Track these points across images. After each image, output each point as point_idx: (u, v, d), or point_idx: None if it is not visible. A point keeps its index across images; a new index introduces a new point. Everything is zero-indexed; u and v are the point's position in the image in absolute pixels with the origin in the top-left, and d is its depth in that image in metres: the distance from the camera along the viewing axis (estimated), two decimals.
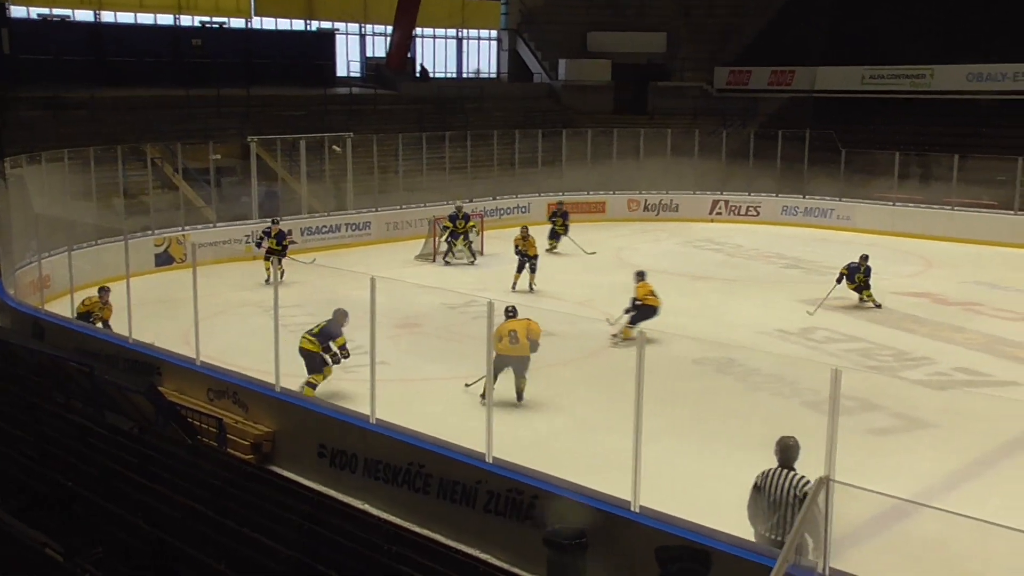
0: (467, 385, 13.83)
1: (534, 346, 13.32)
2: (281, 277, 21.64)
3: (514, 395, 13.49)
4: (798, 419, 12.65)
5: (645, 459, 8.67)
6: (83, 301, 15.97)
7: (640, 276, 17.68)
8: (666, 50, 42.63)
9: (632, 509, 8.62)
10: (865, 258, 20.03)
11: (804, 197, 31.83)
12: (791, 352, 16.57)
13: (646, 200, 32.91)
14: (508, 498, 9.47)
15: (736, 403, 13.98)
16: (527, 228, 22.30)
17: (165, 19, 35.63)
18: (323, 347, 13.63)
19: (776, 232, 30.17)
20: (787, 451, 7.88)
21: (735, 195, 32.68)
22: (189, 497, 8.11)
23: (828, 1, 40.58)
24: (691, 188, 33.05)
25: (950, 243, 27.69)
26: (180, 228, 23.89)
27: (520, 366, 13.45)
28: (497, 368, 12.47)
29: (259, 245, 22.24)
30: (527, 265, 21.35)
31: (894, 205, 30.11)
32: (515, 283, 21.26)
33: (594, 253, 25.06)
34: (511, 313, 13.74)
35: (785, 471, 7.82)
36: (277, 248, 21.85)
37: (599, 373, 15.34)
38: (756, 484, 7.92)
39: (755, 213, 32.34)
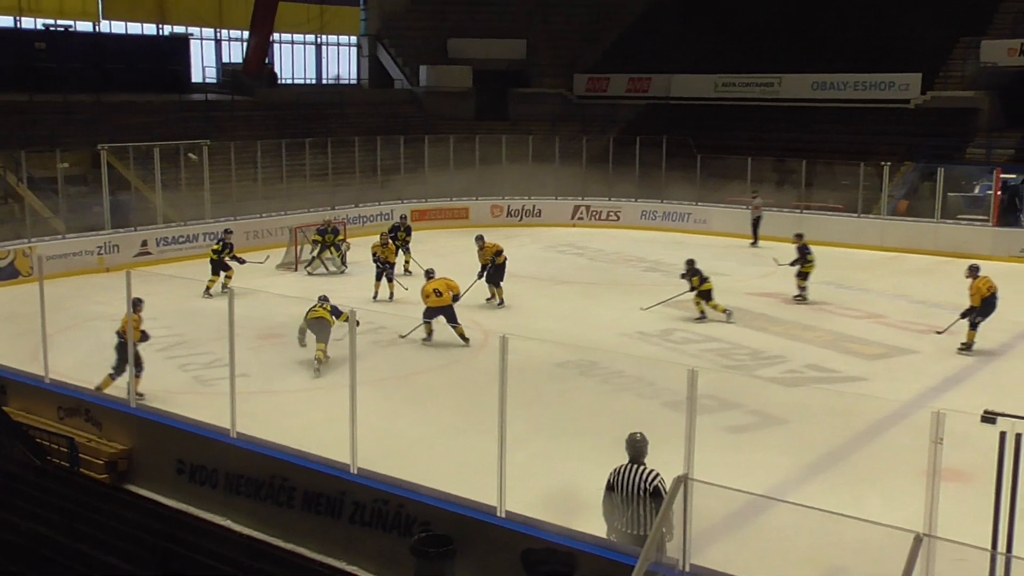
0: (401, 336, 17.58)
1: (456, 298, 17.45)
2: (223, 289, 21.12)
3: (386, 402, 13.42)
4: (660, 419, 12.92)
5: (510, 463, 8.72)
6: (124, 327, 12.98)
7: (481, 239, 21.12)
8: (526, 56, 43.09)
9: (498, 514, 8.65)
10: (688, 263, 19.53)
11: (662, 202, 32.65)
12: (652, 353, 16.96)
13: (509, 206, 33.18)
14: (374, 508, 9.39)
15: (599, 404, 14.21)
16: (386, 235, 22.16)
17: (5, 21, 34.02)
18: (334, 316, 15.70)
19: (636, 236, 30.83)
20: (636, 446, 8.14)
21: (596, 200, 33.27)
22: (36, 522, 7.75)
23: (683, 10, 41.81)
24: (553, 194, 33.48)
25: None
26: (26, 240, 22.84)
27: (448, 313, 17.15)
28: (429, 317, 17.05)
29: (242, 261, 22.21)
30: (385, 273, 21.16)
31: (747, 209, 31.14)
32: (376, 292, 21.06)
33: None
34: (431, 275, 17.68)
35: (635, 466, 8.05)
36: (216, 258, 21.69)
37: (462, 379, 15.39)
38: (609, 482, 8.11)
39: (615, 218, 33.00)
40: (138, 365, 12.84)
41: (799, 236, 21.58)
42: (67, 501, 8.70)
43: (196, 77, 39.01)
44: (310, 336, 15.74)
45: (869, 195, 30.01)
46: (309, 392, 14.48)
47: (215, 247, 21.98)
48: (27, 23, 34.34)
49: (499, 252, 20.81)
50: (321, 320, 15.62)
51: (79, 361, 14.85)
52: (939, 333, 18.02)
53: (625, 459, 8.22)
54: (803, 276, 21.22)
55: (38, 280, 13.72)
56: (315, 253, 24.25)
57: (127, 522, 8.24)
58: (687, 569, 7.36)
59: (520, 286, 22.57)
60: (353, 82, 45.79)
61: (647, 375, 15.30)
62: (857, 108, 34.55)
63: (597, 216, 33.13)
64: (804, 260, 21.10)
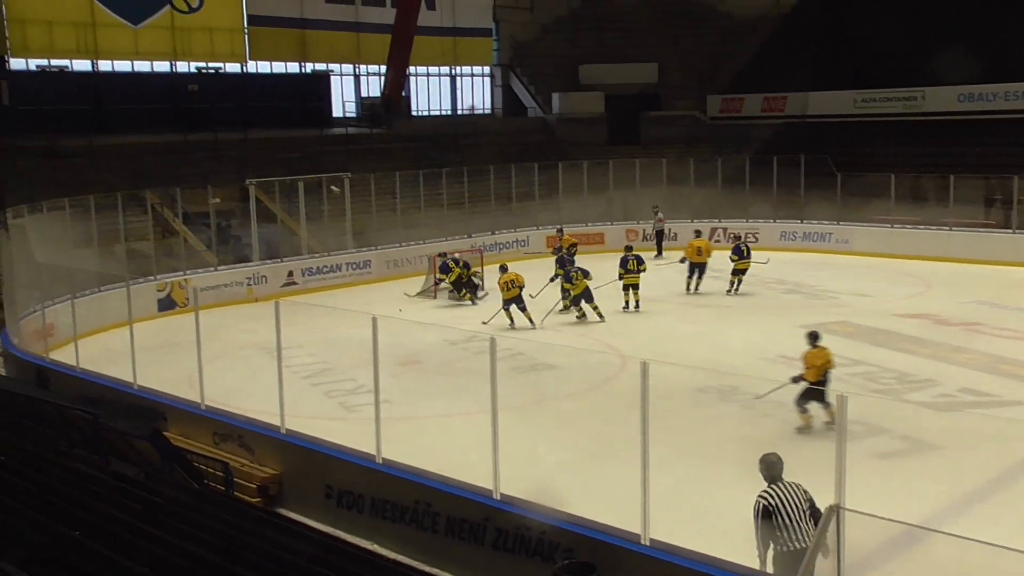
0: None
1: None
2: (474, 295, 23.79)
3: (525, 429, 13.46)
4: (805, 445, 12.63)
5: (653, 490, 8.64)
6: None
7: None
8: (658, 80, 42.93)
9: (642, 542, 8.57)
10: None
11: (802, 222, 31.90)
12: None
13: (644, 229, 32.96)
14: (517, 534, 9.43)
15: (741, 431, 13.93)
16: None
17: (161, 66, 35.91)
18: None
19: (775, 258, 30.10)
20: (772, 467, 8.14)
21: (733, 222, 32.71)
22: (196, 543, 8.05)
23: (816, 27, 40.96)
24: (688, 216, 33.13)
25: (948, 263, 27.68)
26: (182, 273, 23.91)
27: (705, 269, 23.91)
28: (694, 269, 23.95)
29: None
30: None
31: (892, 227, 30.15)
32: (512, 320, 21.05)
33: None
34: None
35: (784, 484, 8.02)
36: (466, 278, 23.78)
37: (602, 404, 15.31)
38: (766, 506, 7.95)
39: (753, 239, 32.28)
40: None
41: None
42: (223, 524, 9.01)
43: (337, 112, 40.31)
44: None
45: None
46: (448, 418, 14.66)
47: (461, 270, 23.90)
48: (181, 67, 36.16)
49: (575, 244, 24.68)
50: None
51: (231, 388, 15.43)
52: None
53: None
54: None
55: (193, 311, 14.38)
56: (450, 283, 24.52)
57: (279, 545, 8.47)
58: None
59: (657, 309, 22.43)
60: (487, 112, 46.47)
61: (791, 401, 14.92)
62: (1009, 119, 33.09)
63: (734, 238, 32.56)
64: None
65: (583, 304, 21.14)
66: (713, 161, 34.17)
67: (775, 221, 32.37)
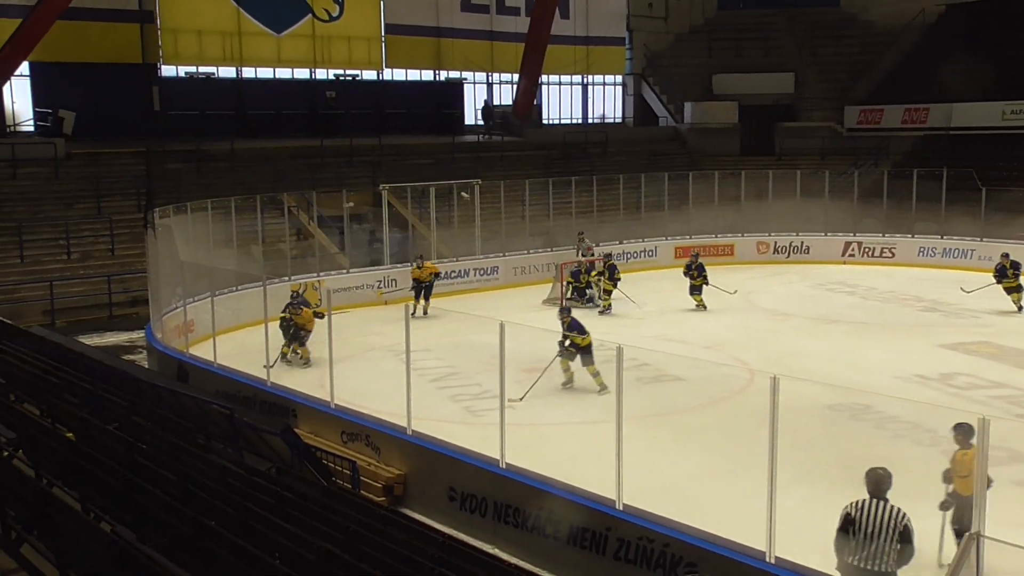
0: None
1: None
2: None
3: (647, 439, 13.38)
4: (940, 469, 12.14)
5: (778, 507, 8.46)
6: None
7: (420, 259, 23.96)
8: (794, 90, 42.10)
9: (767, 560, 8.42)
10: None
11: (942, 238, 30.71)
12: (931, 399, 15.93)
13: (776, 242, 32.29)
14: (639, 546, 9.37)
15: (873, 451, 13.44)
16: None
17: (302, 73, 37.08)
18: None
19: (913, 274, 29.15)
20: (879, 482, 7.81)
21: (868, 236, 31.77)
22: (324, 539, 8.25)
23: (962, 36, 39.48)
24: (822, 230, 32.30)
25: None
26: (315, 274, 24.52)
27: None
28: None
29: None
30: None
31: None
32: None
33: (735, 292, 24.72)
34: None
35: (881, 502, 7.72)
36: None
37: (728, 418, 15.05)
38: (848, 515, 7.79)
39: (890, 255, 31.36)
40: None
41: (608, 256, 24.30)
42: (349, 521, 9.20)
43: (469, 119, 40.84)
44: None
45: None
46: (571, 425, 14.67)
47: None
48: (319, 74, 37.27)
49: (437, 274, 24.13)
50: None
51: (359, 388, 15.76)
52: None
53: (900, 506, 7.78)
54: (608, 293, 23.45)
55: (326, 312, 14.75)
56: (570, 293, 24.61)
57: (403, 545, 8.60)
58: None
59: (788, 325, 21.99)
60: (618, 120, 46.34)
61: (926, 422, 14.37)
62: None
63: (870, 253, 31.62)
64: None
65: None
66: (849, 173, 33.25)
67: (913, 236, 31.27)
